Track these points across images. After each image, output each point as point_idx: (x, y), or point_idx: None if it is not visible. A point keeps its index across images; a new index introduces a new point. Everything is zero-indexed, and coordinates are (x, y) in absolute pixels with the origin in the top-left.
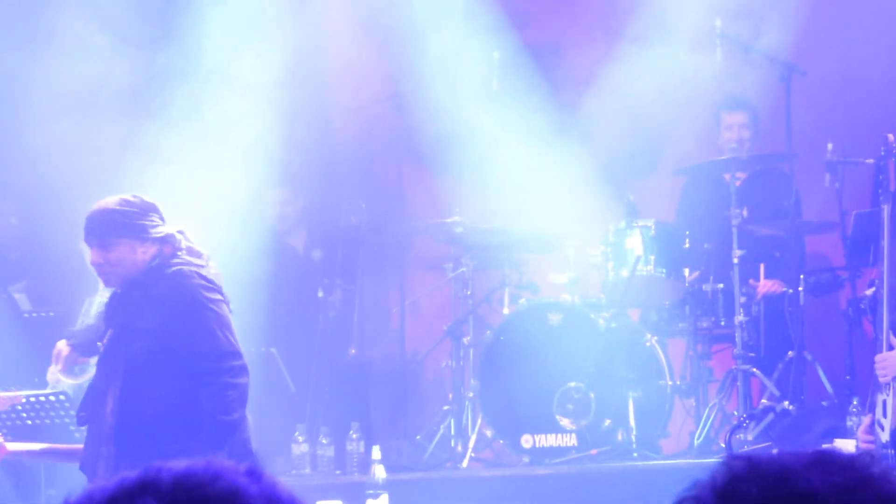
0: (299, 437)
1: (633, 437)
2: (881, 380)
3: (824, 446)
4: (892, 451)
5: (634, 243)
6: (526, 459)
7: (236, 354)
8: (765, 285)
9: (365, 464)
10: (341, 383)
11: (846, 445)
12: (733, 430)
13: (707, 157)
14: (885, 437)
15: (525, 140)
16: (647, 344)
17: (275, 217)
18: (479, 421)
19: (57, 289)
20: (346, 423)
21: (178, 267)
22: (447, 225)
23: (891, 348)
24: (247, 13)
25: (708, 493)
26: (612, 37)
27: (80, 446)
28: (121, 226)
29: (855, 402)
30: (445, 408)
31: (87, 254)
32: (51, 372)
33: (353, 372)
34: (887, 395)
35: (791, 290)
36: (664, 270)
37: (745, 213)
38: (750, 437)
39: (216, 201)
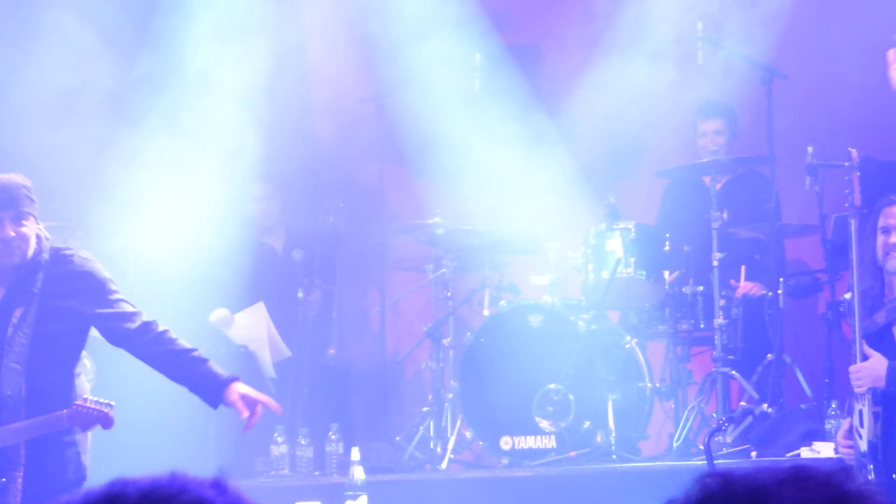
0: (278, 438)
1: (613, 439)
2: (856, 390)
3: (802, 450)
4: (871, 462)
5: (615, 245)
6: (505, 461)
7: None
8: (744, 288)
9: (344, 465)
10: (321, 384)
11: (825, 448)
12: (712, 433)
13: (688, 160)
14: (863, 446)
15: (506, 142)
16: (627, 346)
17: (257, 213)
18: (459, 422)
19: None
20: (325, 424)
21: (77, 251)
22: (428, 226)
23: (864, 358)
24: (230, 17)
25: None
26: (594, 39)
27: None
28: (29, 201)
29: (834, 405)
30: (425, 409)
31: None
32: None
33: (333, 373)
34: (863, 405)
35: (770, 293)
36: (644, 273)
37: (725, 215)
38: (729, 440)
39: (196, 203)
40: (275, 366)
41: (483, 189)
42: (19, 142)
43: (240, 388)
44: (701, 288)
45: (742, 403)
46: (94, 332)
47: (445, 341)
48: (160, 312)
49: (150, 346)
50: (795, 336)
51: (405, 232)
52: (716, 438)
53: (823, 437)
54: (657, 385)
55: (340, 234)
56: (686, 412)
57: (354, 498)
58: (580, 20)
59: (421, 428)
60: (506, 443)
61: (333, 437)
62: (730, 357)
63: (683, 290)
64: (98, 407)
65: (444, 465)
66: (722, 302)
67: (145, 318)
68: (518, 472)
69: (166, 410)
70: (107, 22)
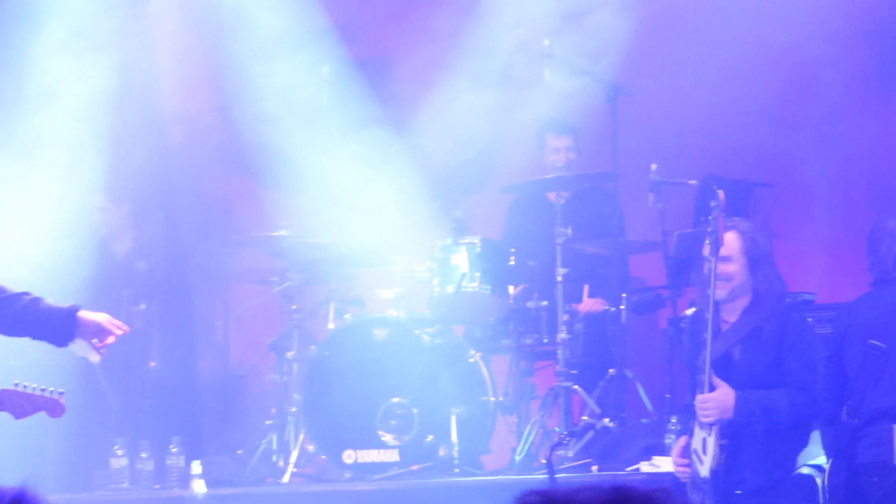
0: (118, 451)
1: (455, 453)
2: (703, 420)
3: (642, 465)
4: (711, 488)
5: (460, 260)
6: (348, 475)
7: None
8: (587, 304)
9: (185, 478)
10: (162, 396)
11: (665, 463)
12: (554, 447)
13: (533, 176)
14: (703, 472)
15: (354, 155)
16: (471, 360)
17: (100, 222)
18: (302, 436)
19: None
20: (166, 436)
21: None
22: (274, 238)
23: (712, 389)
24: (74, 31)
25: None
26: (442, 54)
27: None
28: None
29: (674, 420)
30: (268, 422)
31: None
32: None
33: (174, 385)
34: (708, 435)
35: (613, 309)
36: (489, 287)
37: (569, 231)
38: (570, 454)
39: (35, 215)
40: (115, 378)
41: (330, 202)
42: None
43: (88, 315)
44: (545, 303)
45: (584, 418)
46: None
47: (290, 354)
48: None
49: None
50: (637, 351)
51: (251, 244)
52: (558, 452)
53: (663, 451)
54: (500, 399)
55: (187, 245)
56: (529, 426)
57: None
58: (428, 35)
59: (264, 441)
60: (349, 456)
61: (174, 449)
62: (572, 372)
63: (528, 304)
64: (40, 394)
65: (286, 478)
66: (565, 317)
67: None
68: (360, 485)
69: (3, 422)
70: None
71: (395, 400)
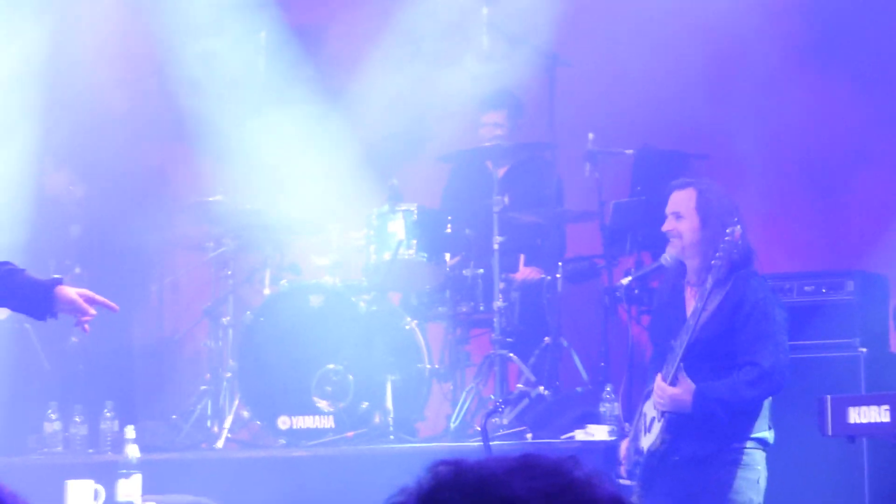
0: (52, 415)
1: (391, 420)
2: (656, 406)
3: (577, 433)
4: (644, 461)
5: (397, 227)
6: (282, 441)
7: None
8: (523, 272)
9: (118, 443)
10: (96, 361)
11: (599, 431)
12: (489, 415)
13: (471, 145)
14: (643, 443)
15: (290, 122)
16: (407, 327)
17: (31, 188)
18: (237, 402)
19: None
20: (100, 401)
21: None
22: (209, 204)
23: (675, 379)
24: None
25: (413, 500)
26: (379, 22)
27: None
28: None
29: (608, 389)
30: (203, 388)
31: None
32: None
33: (109, 350)
34: (657, 419)
35: (549, 278)
36: (426, 255)
37: (506, 200)
38: (505, 422)
39: None
40: (50, 344)
41: (266, 168)
42: None
43: (65, 291)
44: (481, 271)
45: (519, 386)
46: None
47: (225, 320)
48: None
49: None
50: (573, 320)
51: (186, 210)
52: (492, 420)
53: (598, 419)
54: (436, 366)
55: (120, 211)
56: (464, 394)
57: (128, 476)
58: (364, 2)
59: (198, 407)
60: (283, 422)
61: (108, 414)
62: (508, 340)
63: (464, 272)
64: None
65: (220, 444)
66: (501, 285)
67: None
68: (295, 451)
69: None
70: None
71: (331, 367)
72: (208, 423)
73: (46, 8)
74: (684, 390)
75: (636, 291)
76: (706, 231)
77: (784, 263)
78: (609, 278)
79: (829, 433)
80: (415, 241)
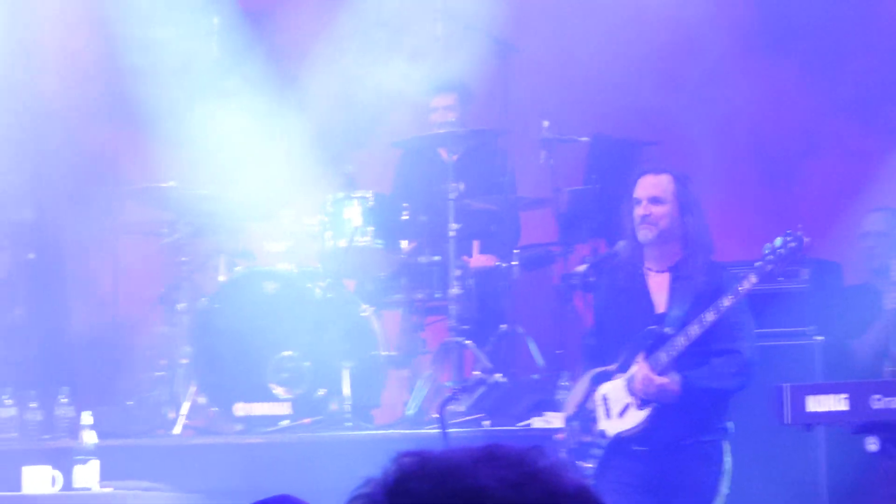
0: (7, 401)
1: (347, 407)
2: (636, 393)
3: (534, 420)
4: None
5: (353, 214)
6: (239, 427)
7: None
8: (478, 259)
9: (74, 429)
10: (51, 346)
11: (556, 419)
12: (445, 402)
13: (424, 131)
14: (609, 429)
15: (244, 107)
16: (363, 314)
17: None
18: (193, 388)
19: None
20: (55, 387)
21: None
22: (162, 190)
23: (664, 372)
24: None
25: (379, 491)
26: (332, 6)
27: None
28: None
29: (564, 376)
30: (158, 374)
31: None
32: None
33: (64, 335)
34: (636, 407)
35: (504, 265)
36: (381, 242)
37: (461, 187)
38: (462, 409)
39: None
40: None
41: (220, 154)
42: None
43: None
44: (437, 258)
45: (475, 373)
46: None
47: (179, 306)
48: None
49: None
50: (528, 307)
51: (138, 195)
52: (449, 407)
53: (554, 407)
54: (392, 353)
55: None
56: (420, 381)
57: (85, 462)
58: None
59: (154, 393)
60: (239, 409)
61: (64, 400)
62: (464, 327)
63: (420, 259)
64: None
65: (176, 430)
66: (457, 272)
67: None
68: (251, 438)
69: None
70: None
71: (287, 353)
72: (164, 410)
73: None
74: (672, 380)
75: (592, 279)
76: (687, 218)
77: (737, 251)
78: (565, 265)
79: (787, 421)
80: (371, 229)
